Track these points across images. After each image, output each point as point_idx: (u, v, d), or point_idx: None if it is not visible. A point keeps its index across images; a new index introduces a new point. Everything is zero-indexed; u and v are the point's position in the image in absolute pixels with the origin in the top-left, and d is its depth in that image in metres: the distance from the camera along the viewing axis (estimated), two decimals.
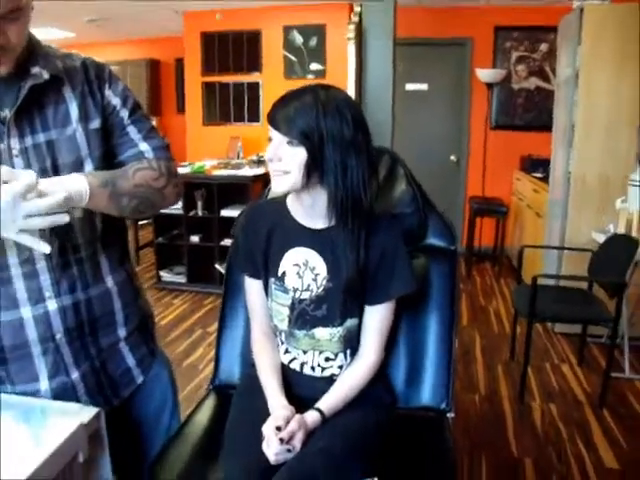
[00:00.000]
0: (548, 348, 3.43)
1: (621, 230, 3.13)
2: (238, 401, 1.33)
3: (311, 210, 1.25)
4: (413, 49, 5.21)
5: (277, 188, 1.20)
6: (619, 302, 2.63)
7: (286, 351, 1.34)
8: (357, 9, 2.90)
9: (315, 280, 1.26)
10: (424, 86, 5.64)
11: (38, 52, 1.08)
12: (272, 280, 1.31)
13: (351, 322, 1.28)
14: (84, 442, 1.00)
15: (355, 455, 1.16)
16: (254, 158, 4.98)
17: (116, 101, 1.16)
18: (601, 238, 3.20)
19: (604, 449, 2.38)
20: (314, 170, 1.15)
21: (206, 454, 1.27)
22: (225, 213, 4.37)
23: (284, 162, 1.16)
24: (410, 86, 5.59)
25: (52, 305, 1.09)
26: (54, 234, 1.06)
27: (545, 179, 4.39)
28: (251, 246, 1.33)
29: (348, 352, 1.31)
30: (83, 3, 4.64)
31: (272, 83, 5.47)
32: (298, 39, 5.42)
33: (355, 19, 2.85)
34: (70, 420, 0.99)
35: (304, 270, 1.27)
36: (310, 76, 5.40)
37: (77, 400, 1.12)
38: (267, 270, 1.32)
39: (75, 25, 5.74)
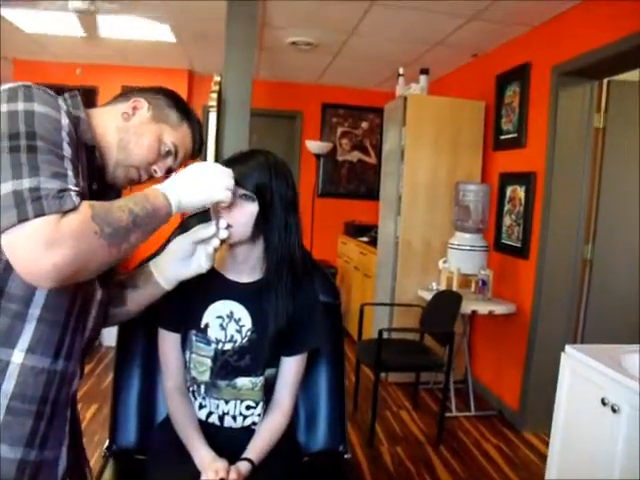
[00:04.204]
0: (386, 397, 3.73)
1: (443, 287, 3.60)
2: (159, 461, 1.31)
3: (242, 265, 1.33)
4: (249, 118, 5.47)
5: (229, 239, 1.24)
6: (451, 349, 3.02)
7: (201, 406, 1.36)
8: (217, 79, 3.05)
9: (239, 331, 1.32)
10: None
11: None
12: (193, 332, 1.33)
13: (269, 372, 1.36)
14: None
15: None
16: None
17: None
18: (426, 294, 3.64)
19: (447, 479, 2.68)
20: (260, 225, 1.24)
21: None
22: None
23: (232, 213, 1.21)
24: None
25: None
26: None
27: (371, 243, 4.82)
28: (172, 301, 1.33)
29: (266, 400, 1.37)
30: None
31: None
32: None
33: (215, 88, 2.99)
34: None
35: (228, 322, 1.33)
36: None
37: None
38: (187, 323, 1.34)
39: None
